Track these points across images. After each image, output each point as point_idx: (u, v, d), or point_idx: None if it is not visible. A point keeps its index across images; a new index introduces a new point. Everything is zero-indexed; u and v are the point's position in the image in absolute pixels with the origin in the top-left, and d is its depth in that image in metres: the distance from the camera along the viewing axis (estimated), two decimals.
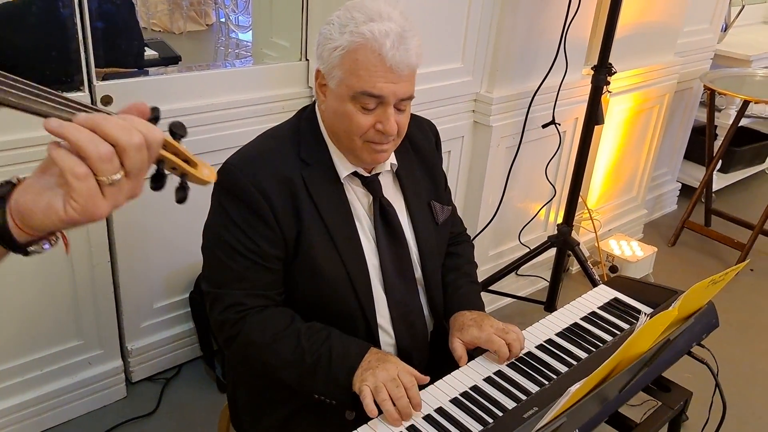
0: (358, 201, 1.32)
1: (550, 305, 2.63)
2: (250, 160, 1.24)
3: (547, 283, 2.73)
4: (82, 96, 1.77)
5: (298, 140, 1.27)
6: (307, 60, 2.25)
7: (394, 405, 1.12)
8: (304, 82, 2.26)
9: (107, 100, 1.83)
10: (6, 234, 0.62)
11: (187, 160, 0.70)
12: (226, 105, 2.07)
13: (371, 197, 1.32)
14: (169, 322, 2.23)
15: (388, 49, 1.13)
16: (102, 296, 1.99)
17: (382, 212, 1.31)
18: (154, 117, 0.65)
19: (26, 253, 0.65)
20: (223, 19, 5.12)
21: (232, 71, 2.18)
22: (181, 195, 0.70)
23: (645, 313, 1.45)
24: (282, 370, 1.22)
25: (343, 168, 1.28)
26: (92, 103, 1.81)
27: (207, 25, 6.23)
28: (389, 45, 1.13)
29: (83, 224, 0.61)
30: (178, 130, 0.69)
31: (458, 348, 1.30)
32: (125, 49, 2.04)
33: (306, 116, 1.31)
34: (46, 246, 0.66)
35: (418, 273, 1.38)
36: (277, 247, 1.23)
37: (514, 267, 2.61)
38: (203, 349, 2.29)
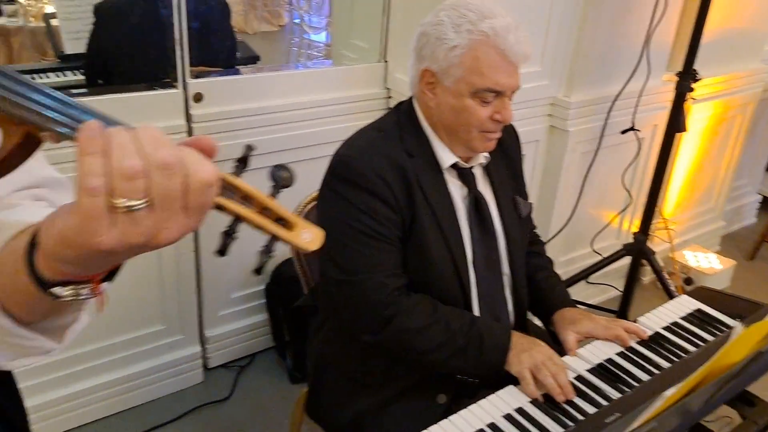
0: (456, 193, 1.36)
1: (623, 314, 2.58)
2: (364, 149, 1.30)
3: (618, 292, 2.68)
4: (175, 93, 1.87)
5: (400, 133, 1.33)
6: (385, 61, 2.29)
7: None
8: (382, 83, 2.30)
9: (198, 98, 1.91)
10: (32, 265, 0.53)
11: (282, 220, 0.55)
12: (308, 104, 2.13)
13: (466, 189, 1.36)
14: (244, 312, 2.32)
15: (511, 43, 1.20)
16: (185, 284, 2.09)
17: (476, 204, 1.37)
18: (243, 157, 0.54)
19: (56, 297, 0.54)
20: (297, 21, 5.24)
21: (315, 71, 2.25)
22: (260, 266, 0.58)
23: (740, 323, 1.42)
24: (432, 353, 1.28)
25: (445, 159, 1.33)
26: (185, 101, 1.90)
27: (279, 26, 6.39)
28: (512, 39, 1.20)
29: (90, 255, 0.48)
30: (277, 179, 0.56)
31: (572, 340, 1.35)
32: (218, 49, 2.13)
33: (404, 111, 1.37)
34: (83, 293, 0.54)
35: (505, 267, 1.41)
36: (398, 228, 1.29)
37: (585, 274, 2.57)
38: (276, 340, 2.37)
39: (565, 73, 2.31)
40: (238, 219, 0.54)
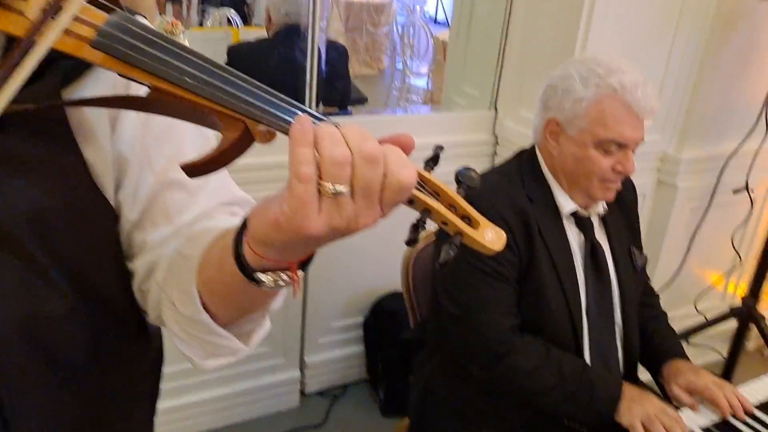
0: (573, 240, 1.40)
1: (726, 379, 2.48)
2: (487, 192, 1.36)
3: (720, 357, 2.58)
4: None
5: (522, 179, 1.39)
6: (495, 109, 2.36)
7: None
8: (491, 130, 2.37)
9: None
10: (240, 254, 0.57)
11: (467, 218, 0.58)
12: (418, 147, 2.21)
13: (583, 237, 1.40)
14: (343, 342, 2.40)
15: (638, 98, 1.24)
16: (292, 308, 2.19)
17: (593, 253, 1.39)
18: (434, 156, 0.57)
19: (258, 283, 0.58)
20: (399, 66, 5.43)
21: (426, 116, 2.36)
22: (444, 261, 0.58)
23: None
24: (542, 395, 1.31)
25: (565, 206, 1.37)
26: None
27: (379, 69, 6.62)
28: (640, 94, 1.24)
29: (296, 240, 0.52)
30: (463, 179, 0.58)
31: (683, 396, 1.33)
32: (337, 91, 2.28)
33: (526, 158, 1.42)
34: (283, 279, 0.58)
35: (617, 317, 1.42)
36: (515, 269, 1.34)
37: (686, 335, 2.50)
38: (369, 373, 2.43)
39: (678, 128, 2.30)
40: (426, 211, 0.55)
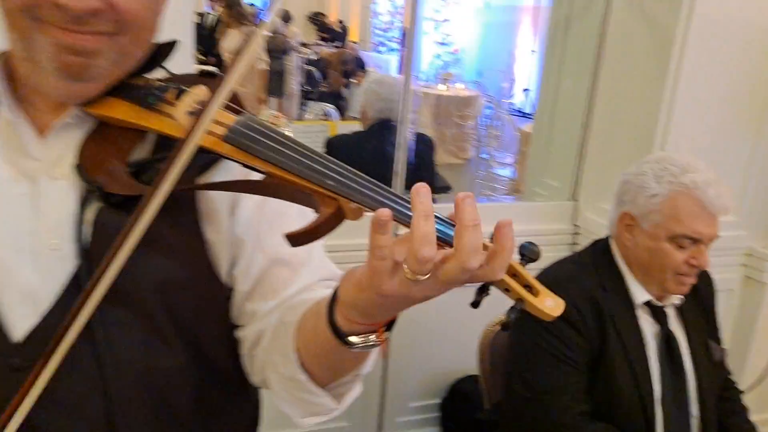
0: (647, 330, 1.44)
1: None
2: (561, 279, 1.44)
3: None
4: None
5: (596, 269, 1.45)
6: (576, 200, 2.43)
7: None
8: (571, 221, 2.44)
9: None
10: (333, 319, 0.65)
11: (529, 287, 0.63)
12: None
13: (658, 327, 1.43)
14: (419, 423, 2.43)
15: (711, 196, 1.31)
16: (372, 385, 2.27)
17: (668, 343, 1.42)
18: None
19: (350, 345, 0.65)
20: (484, 156, 5.61)
21: (507, 205, 2.47)
22: (506, 323, 0.65)
23: None
24: None
25: (639, 296, 1.42)
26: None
27: (464, 159, 6.82)
28: (712, 193, 1.31)
29: (376, 300, 0.60)
30: (526, 252, 0.64)
31: None
32: (422, 178, 2.43)
33: (601, 248, 1.50)
34: (371, 340, 0.65)
35: (693, 409, 1.42)
36: (586, 355, 1.39)
37: None
38: None
39: (764, 224, 2.28)
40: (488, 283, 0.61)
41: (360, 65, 6.36)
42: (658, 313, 1.44)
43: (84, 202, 0.75)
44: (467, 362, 1.94)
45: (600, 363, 1.39)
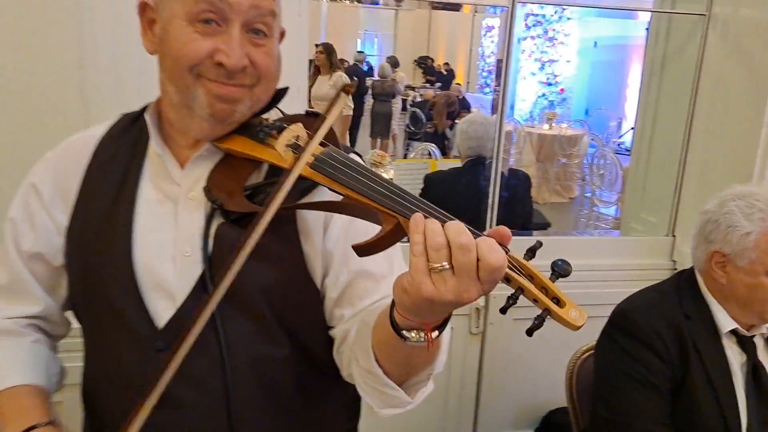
0: (734, 358, 1.45)
1: None
2: (644, 307, 1.49)
3: None
4: None
5: (680, 298, 1.49)
6: (673, 236, 2.43)
7: None
8: (668, 256, 2.43)
9: None
10: (392, 318, 0.76)
11: (556, 299, 0.69)
12: (594, 267, 2.35)
13: (745, 357, 1.44)
14: None
15: None
16: (465, 415, 2.35)
17: (755, 373, 1.43)
18: (532, 248, 0.72)
19: (405, 339, 0.76)
20: (588, 194, 5.55)
21: (603, 239, 2.49)
22: (532, 327, 0.69)
23: None
24: None
25: (725, 324, 1.45)
26: None
27: (569, 198, 6.76)
28: None
29: (420, 302, 0.69)
30: (557, 268, 0.71)
31: None
32: (517, 214, 2.53)
33: (685, 279, 1.54)
34: (421, 337, 0.75)
35: None
36: (668, 380, 1.43)
37: None
38: None
39: None
40: (521, 290, 0.69)
41: (465, 106, 6.54)
42: (746, 343, 1.44)
43: (209, 219, 0.94)
44: (559, 393, 1.98)
45: (682, 390, 1.41)
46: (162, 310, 0.95)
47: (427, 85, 10.76)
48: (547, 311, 0.68)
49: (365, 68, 9.78)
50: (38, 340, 1.08)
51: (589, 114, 9.02)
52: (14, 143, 1.60)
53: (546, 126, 6.86)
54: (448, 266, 0.67)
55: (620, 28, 9.01)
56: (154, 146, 0.99)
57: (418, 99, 8.43)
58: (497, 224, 2.29)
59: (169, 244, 0.96)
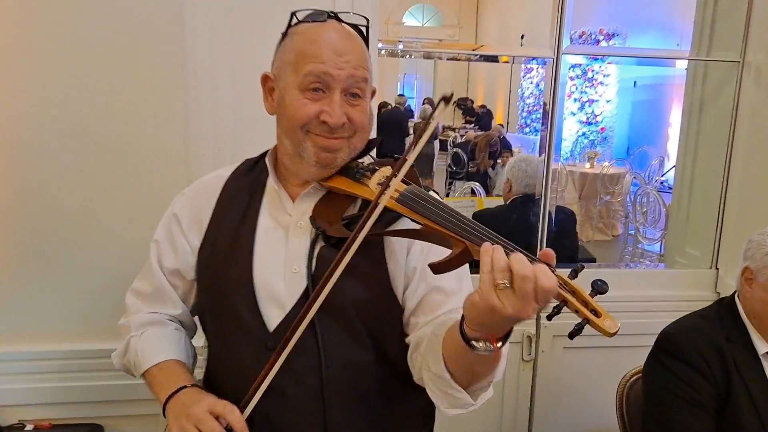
0: None
1: None
2: (688, 330, 1.64)
3: None
4: None
5: (721, 322, 1.63)
6: (717, 269, 2.54)
7: None
8: (711, 288, 2.54)
9: None
10: (462, 330, 0.90)
11: (594, 311, 0.83)
12: (638, 298, 2.47)
13: None
14: None
15: None
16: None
17: None
18: (574, 270, 0.86)
19: (473, 348, 0.90)
20: (632, 232, 5.63)
21: (647, 271, 2.62)
22: (573, 331, 0.85)
23: None
24: None
25: (761, 346, 1.58)
26: None
27: (613, 236, 6.80)
28: None
29: (487, 314, 0.84)
30: (596, 286, 0.85)
31: None
32: (564, 248, 2.68)
33: (726, 304, 1.68)
34: (488, 347, 0.90)
35: None
36: (713, 398, 1.56)
37: None
38: None
39: None
40: (564, 302, 0.84)
41: (506, 146, 6.73)
42: None
43: (313, 243, 1.16)
44: (609, 416, 2.09)
45: (727, 408, 1.54)
46: (273, 317, 1.15)
47: (467, 125, 11.00)
48: (586, 320, 0.83)
49: (407, 110, 10.08)
50: (178, 328, 1.32)
51: (630, 153, 9.09)
52: (128, 184, 1.86)
53: (588, 165, 6.98)
54: (509, 285, 0.82)
55: (659, 68, 9.14)
56: (272, 183, 1.22)
57: (459, 140, 8.66)
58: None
59: (280, 263, 1.17)
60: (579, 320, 0.84)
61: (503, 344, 0.93)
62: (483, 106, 11.53)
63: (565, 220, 2.66)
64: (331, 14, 1.17)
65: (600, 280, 0.85)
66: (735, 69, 2.45)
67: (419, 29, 13.16)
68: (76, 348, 1.90)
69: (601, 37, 8.83)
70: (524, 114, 10.43)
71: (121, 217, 1.86)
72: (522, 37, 9.23)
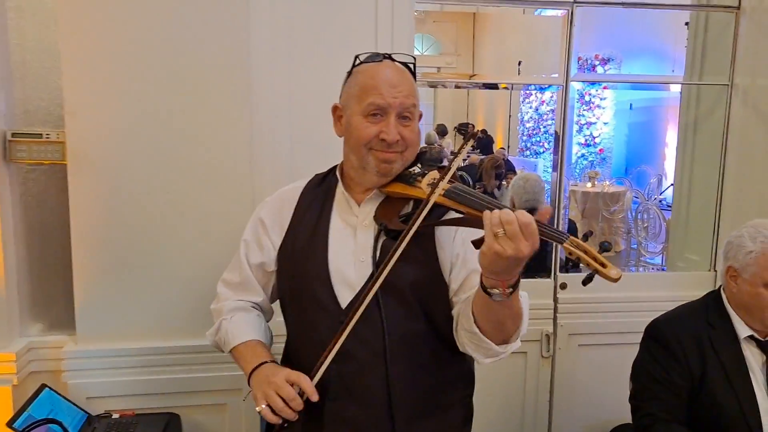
0: (753, 358, 1.83)
1: None
2: (672, 320, 1.92)
3: None
4: (547, 282, 2.67)
5: (707, 310, 1.90)
6: (714, 271, 2.81)
7: None
8: (710, 287, 2.76)
9: (563, 286, 2.69)
10: (482, 281, 1.15)
11: (602, 263, 1.07)
12: (642, 299, 2.73)
13: (765, 357, 1.82)
14: None
15: None
16: (539, 428, 2.71)
17: None
18: (584, 235, 1.13)
19: (490, 295, 1.15)
20: (634, 246, 5.89)
21: (650, 274, 2.89)
22: (585, 279, 1.11)
23: None
24: None
25: (742, 331, 1.84)
26: (554, 288, 2.70)
27: (615, 252, 7.04)
28: None
29: (495, 260, 1.09)
30: (603, 246, 1.11)
31: None
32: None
33: (712, 296, 1.95)
34: (501, 292, 1.14)
35: None
36: (684, 379, 1.82)
37: None
38: None
39: None
40: (578, 259, 1.10)
41: (511, 168, 7.03)
42: (764, 346, 1.82)
43: (377, 237, 1.44)
44: (624, 409, 2.31)
45: (702, 389, 1.79)
46: (345, 296, 1.43)
47: (470, 149, 11.20)
48: (595, 271, 1.09)
49: None
50: (260, 315, 1.60)
51: (628, 172, 9.37)
52: (201, 202, 2.15)
53: (589, 184, 7.26)
54: (503, 232, 1.08)
55: (654, 92, 9.46)
56: (341, 191, 1.52)
57: (462, 164, 8.93)
58: (559, 267, 2.72)
59: (350, 254, 1.46)
60: (589, 271, 1.11)
61: (514, 291, 1.17)
62: (483, 131, 11.81)
63: (574, 230, 2.91)
64: (386, 55, 1.47)
65: (606, 242, 1.12)
66: (725, 91, 2.75)
67: (420, 57, 13.44)
68: (155, 345, 2.16)
69: (597, 62, 9.15)
70: (524, 138, 10.72)
71: (195, 231, 2.13)
72: (519, 63, 9.58)
